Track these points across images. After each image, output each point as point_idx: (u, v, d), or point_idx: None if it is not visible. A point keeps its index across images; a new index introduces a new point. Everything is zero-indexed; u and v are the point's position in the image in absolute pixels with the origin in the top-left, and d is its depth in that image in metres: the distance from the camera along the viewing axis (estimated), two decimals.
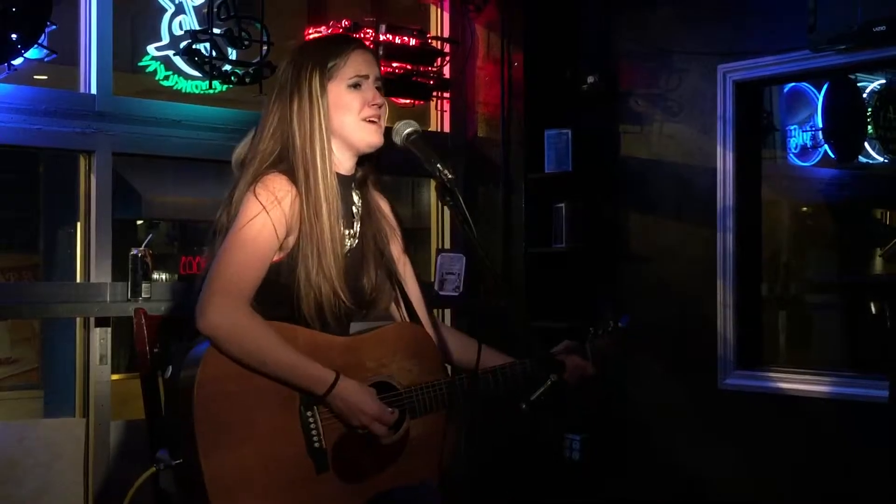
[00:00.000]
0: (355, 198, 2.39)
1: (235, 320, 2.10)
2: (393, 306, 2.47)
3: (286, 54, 2.38)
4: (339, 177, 2.32)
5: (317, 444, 2.17)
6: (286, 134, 2.28)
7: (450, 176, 2.17)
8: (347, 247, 2.33)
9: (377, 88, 2.34)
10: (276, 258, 2.22)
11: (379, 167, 2.42)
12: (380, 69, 2.38)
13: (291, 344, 2.16)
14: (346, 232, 2.33)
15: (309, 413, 2.17)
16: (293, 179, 2.24)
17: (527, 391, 2.28)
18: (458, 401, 2.31)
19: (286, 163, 2.26)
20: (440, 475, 2.32)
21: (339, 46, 2.34)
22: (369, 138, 2.31)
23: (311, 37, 4.34)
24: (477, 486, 4.34)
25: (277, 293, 2.22)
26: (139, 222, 7.58)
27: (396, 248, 2.47)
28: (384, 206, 2.47)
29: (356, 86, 2.30)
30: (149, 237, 4.46)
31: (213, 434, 2.08)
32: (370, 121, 2.31)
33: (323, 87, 2.28)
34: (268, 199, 2.18)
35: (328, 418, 2.19)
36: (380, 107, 2.32)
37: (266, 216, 2.16)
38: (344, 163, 2.35)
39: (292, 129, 2.27)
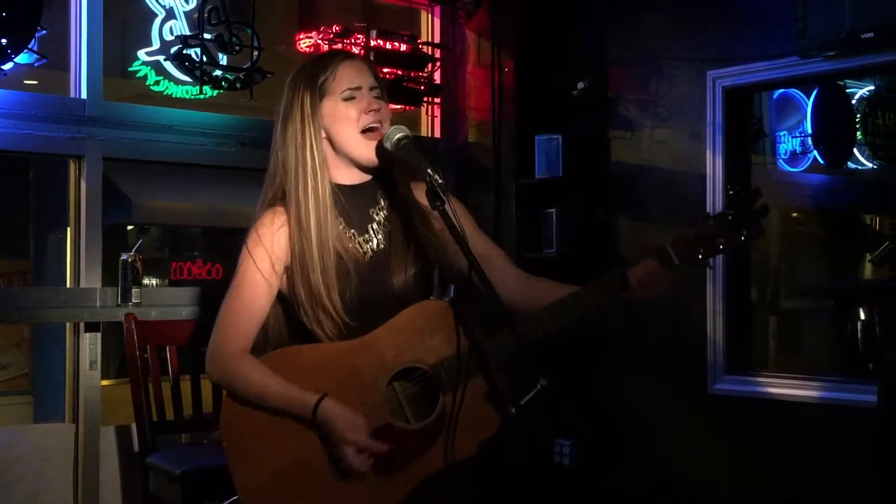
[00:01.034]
0: (381, 200, 2.39)
1: (225, 373, 2.25)
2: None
3: (278, 62, 2.39)
4: (349, 188, 2.35)
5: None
6: (282, 157, 2.32)
7: (440, 181, 2.16)
8: (368, 253, 2.34)
9: (375, 97, 2.34)
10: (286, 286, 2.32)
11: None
12: (374, 76, 2.38)
13: (296, 364, 2.23)
14: (361, 238, 2.34)
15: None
16: (286, 205, 2.30)
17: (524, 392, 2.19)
18: (496, 357, 2.25)
19: (282, 190, 2.32)
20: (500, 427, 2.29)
21: (326, 62, 2.36)
22: (368, 153, 2.32)
23: (302, 42, 4.35)
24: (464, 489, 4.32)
25: (297, 314, 2.31)
26: (129, 227, 7.57)
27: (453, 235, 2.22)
28: (422, 199, 2.31)
29: (350, 98, 2.32)
30: (139, 242, 4.44)
31: (244, 469, 2.21)
32: (370, 128, 2.32)
33: (314, 106, 2.31)
34: (252, 242, 2.29)
35: None
36: (377, 111, 2.32)
37: (249, 261, 2.29)
38: (354, 173, 2.37)
39: (286, 152, 2.32)
